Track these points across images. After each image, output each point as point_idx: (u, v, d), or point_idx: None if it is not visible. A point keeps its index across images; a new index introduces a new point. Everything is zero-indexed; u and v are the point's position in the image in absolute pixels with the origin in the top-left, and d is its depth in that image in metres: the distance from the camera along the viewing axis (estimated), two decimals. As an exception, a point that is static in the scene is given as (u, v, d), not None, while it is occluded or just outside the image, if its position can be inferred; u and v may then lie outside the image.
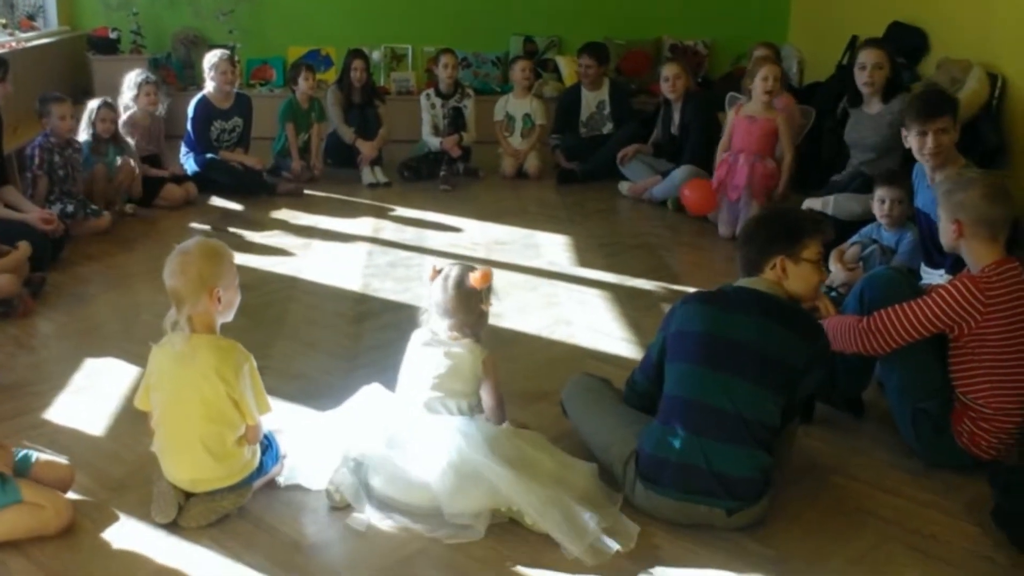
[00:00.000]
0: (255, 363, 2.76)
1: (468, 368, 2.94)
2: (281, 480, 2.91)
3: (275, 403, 3.01)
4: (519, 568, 2.56)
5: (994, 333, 2.97)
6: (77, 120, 5.68)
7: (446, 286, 2.95)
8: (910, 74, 6.25)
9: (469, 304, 2.95)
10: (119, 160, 5.83)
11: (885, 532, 2.78)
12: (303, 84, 6.79)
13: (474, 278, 2.93)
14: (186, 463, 2.72)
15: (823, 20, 8.13)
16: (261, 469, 2.83)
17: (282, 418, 3.13)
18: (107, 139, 5.81)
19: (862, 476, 3.08)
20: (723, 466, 2.66)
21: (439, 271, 3.01)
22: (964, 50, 5.75)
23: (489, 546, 2.64)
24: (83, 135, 5.72)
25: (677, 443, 2.70)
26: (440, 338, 2.99)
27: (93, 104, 5.81)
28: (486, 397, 2.98)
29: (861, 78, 5.09)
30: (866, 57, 5.09)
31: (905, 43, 6.43)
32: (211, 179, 6.42)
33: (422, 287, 4.65)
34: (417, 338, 3.04)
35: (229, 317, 2.80)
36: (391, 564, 2.57)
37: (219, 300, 2.70)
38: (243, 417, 2.74)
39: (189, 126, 6.54)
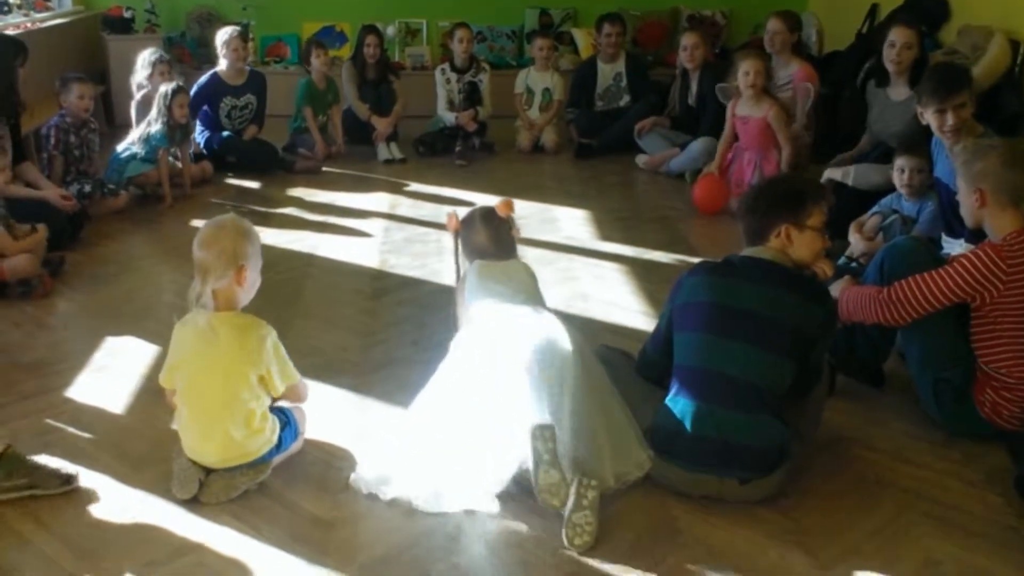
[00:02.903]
0: (276, 335, 2.78)
1: (528, 277, 3.15)
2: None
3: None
4: (533, 546, 2.57)
5: (1016, 302, 2.94)
6: (94, 100, 5.68)
7: (475, 225, 3.21)
8: (931, 42, 6.17)
9: (500, 233, 3.19)
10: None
11: (905, 502, 2.76)
12: (316, 62, 6.75)
13: (499, 208, 3.21)
14: (211, 442, 2.73)
15: (842, -12, 8.02)
16: (280, 445, 2.84)
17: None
18: (183, 124, 5.81)
19: (882, 447, 3.07)
20: (735, 435, 2.65)
21: (458, 218, 3.27)
22: (985, 16, 5.67)
23: (506, 520, 2.66)
24: (156, 125, 5.68)
25: (689, 413, 2.70)
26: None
27: (166, 89, 5.71)
28: None
29: (889, 55, 5.02)
30: (896, 35, 5.01)
31: (926, 10, 6.35)
32: (225, 158, 6.43)
33: (439, 263, 4.70)
34: (470, 278, 3.14)
35: (249, 298, 2.81)
36: (410, 539, 2.58)
37: (245, 278, 2.72)
38: (269, 391, 2.77)
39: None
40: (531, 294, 3.10)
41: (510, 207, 3.25)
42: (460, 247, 3.32)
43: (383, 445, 2.91)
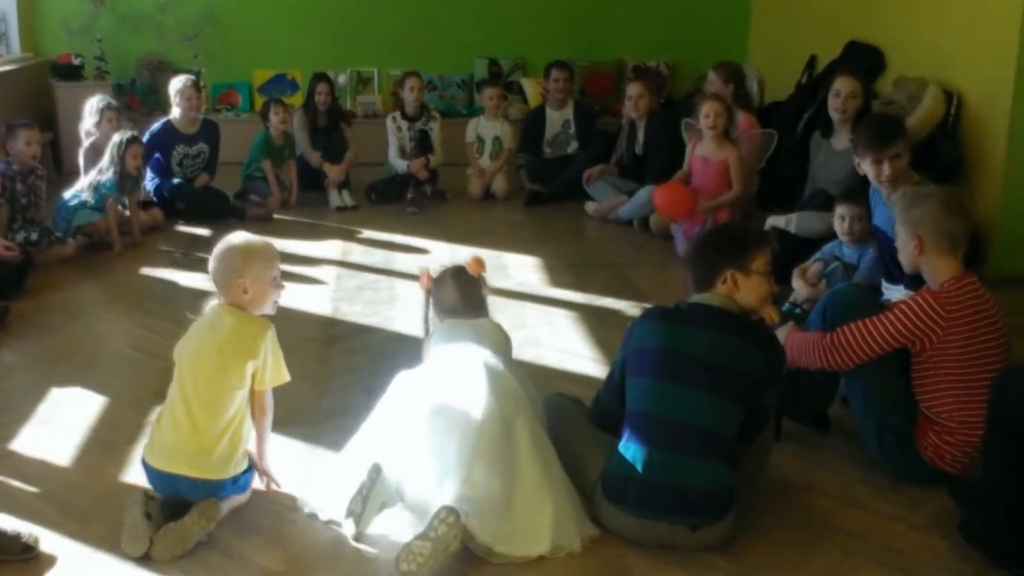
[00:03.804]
0: (274, 332, 2.93)
1: (496, 337, 3.12)
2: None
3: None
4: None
5: (955, 347, 3.01)
6: (42, 147, 5.63)
7: (446, 283, 3.21)
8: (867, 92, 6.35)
9: (471, 291, 3.20)
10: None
11: (852, 546, 2.81)
12: (275, 119, 6.76)
13: (470, 266, 3.22)
14: (186, 432, 2.77)
15: (782, 40, 8.24)
16: (238, 483, 2.85)
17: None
18: (136, 176, 5.79)
19: (829, 491, 3.12)
20: (686, 480, 2.68)
21: (431, 275, 3.25)
22: (920, 68, 5.86)
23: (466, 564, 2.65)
24: (108, 173, 5.63)
25: (640, 459, 2.73)
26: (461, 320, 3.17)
27: (120, 138, 5.68)
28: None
29: (834, 104, 5.12)
30: (841, 85, 5.12)
31: (862, 61, 6.54)
32: (175, 206, 6.41)
33: (391, 310, 4.71)
34: (437, 335, 3.17)
35: (266, 310, 2.97)
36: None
37: (245, 291, 2.87)
38: (256, 383, 2.89)
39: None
40: (494, 350, 3.05)
41: (480, 265, 3.26)
42: (431, 304, 3.30)
43: (327, 471, 3.00)
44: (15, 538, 2.66)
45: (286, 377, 2.98)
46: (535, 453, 2.79)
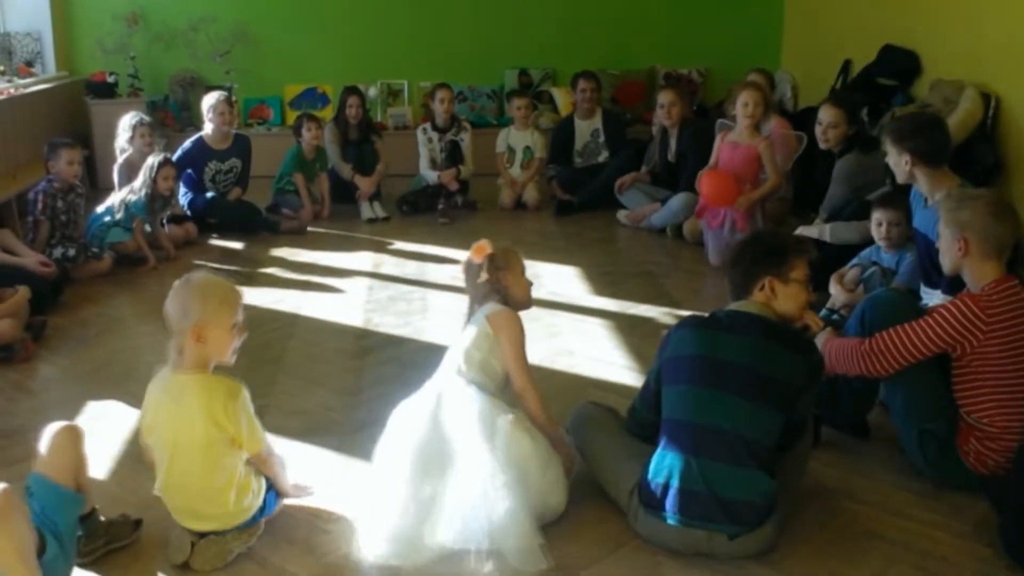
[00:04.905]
0: (247, 394, 2.69)
1: (480, 329, 3.01)
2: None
3: (277, 441, 3.01)
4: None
5: (996, 352, 2.96)
6: (82, 166, 5.70)
7: (467, 274, 3.20)
8: (903, 96, 6.29)
9: (472, 278, 3.14)
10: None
11: (894, 555, 2.76)
12: (307, 135, 6.83)
13: (471, 254, 3.15)
14: (189, 510, 2.70)
15: (816, 45, 8.19)
16: (265, 508, 2.81)
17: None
18: (167, 196, 5.87)
19: (869, 498, 3.06)
20: (723, 489, 2.64)
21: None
22: (956, 71, 5.79)
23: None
24: (139, 194, 5.70)
25: (677, 467, 2.69)
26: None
27: (153, 161, 5.77)
28: (508, 365, 3.00)
29: (817, 132, 5.11)
30: (823, 114, 5.09)
31: (898, 65, 6.47)
32: (209, 220, 6.47)
33: (423, 320, 4.71)
34: None
35: (224, 360, 2.69)
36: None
37: (200, 339, 2.60)
38: (243, 449, 2.71)
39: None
40: (467, 350, 2.99)
41: (481, 251, 3.11)
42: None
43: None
44: (123, 522, 2.77)
45: (262, 443, 2.75)
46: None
